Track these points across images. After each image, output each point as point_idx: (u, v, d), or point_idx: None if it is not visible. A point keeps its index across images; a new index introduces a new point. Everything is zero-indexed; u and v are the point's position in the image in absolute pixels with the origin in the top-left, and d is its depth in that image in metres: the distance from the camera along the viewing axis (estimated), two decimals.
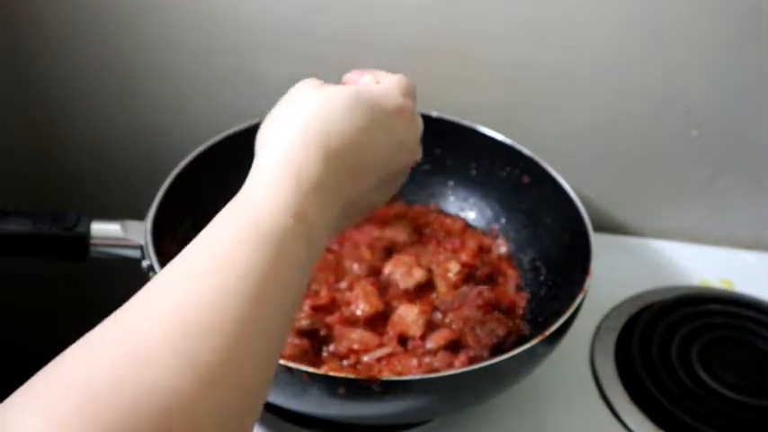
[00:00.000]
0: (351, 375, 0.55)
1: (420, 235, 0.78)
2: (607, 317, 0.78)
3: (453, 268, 0.72)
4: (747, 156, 0.83)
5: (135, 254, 0.62)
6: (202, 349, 0.33)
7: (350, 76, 0.53)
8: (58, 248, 0.61)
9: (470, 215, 0.81)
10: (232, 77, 0.83)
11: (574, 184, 0.72)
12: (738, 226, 0.88)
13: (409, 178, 0.54)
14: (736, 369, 0.71)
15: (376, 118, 0.46)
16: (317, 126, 0.44)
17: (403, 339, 0.66)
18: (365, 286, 0.69)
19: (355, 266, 0.72)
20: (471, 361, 0.64)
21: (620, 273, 0.81)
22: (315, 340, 0.65)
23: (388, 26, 0.78)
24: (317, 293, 0.69)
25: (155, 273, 0.59)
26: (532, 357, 0.60)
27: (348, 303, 0.68)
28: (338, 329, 0.66)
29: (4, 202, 0.62)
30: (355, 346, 0.65)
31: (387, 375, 0.62)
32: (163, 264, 0.60)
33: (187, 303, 0.34)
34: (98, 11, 0.79)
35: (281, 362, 0.53)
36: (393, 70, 0.52)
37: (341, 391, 0.54)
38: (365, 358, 0.64)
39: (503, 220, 0.79)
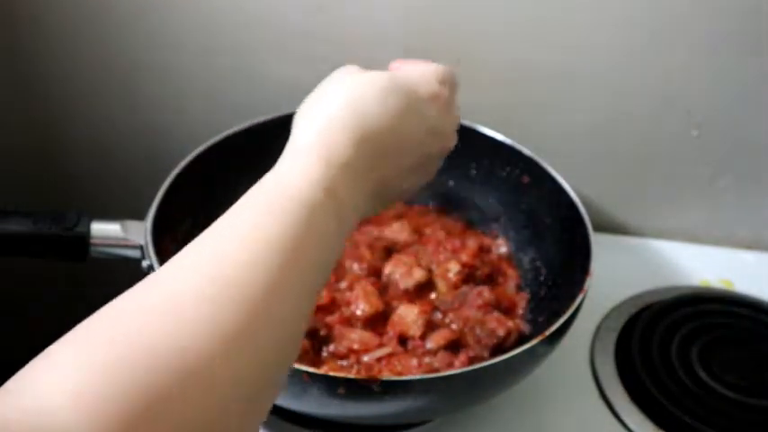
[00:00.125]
0: (351, 375, 0.55)
1: (420, 235, 0.78)
2: (607, 317, 0.78)
3: (453, 268, 0.72)
4: (747, 156, 0.83)
5: (135, 254, 0.62)
6: (227, 314, 0.34)
7: (394, 65, 0.53)
8: (58, 248, 0.61)
9: (470, 215, 0.81)
10: (232, 77, 0.83)
11: (574, 184, 0.72)
12: (738, 226, 0.88)
13: None
14: (736, 369, 0.71)
15: (410, 104, 0.47)
16: (350, 110, 0.44)
17: (403, 339, 0.66)
18: (365, 286, 0.69)
19: (355, 266, 0.72)
20: (471, 361, 0.64)
21: (620, 273, 0.81)
22: (315, 340, 0.65)
23: (388, 26, 0.78)
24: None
25: None
26: (532, 357, 0.60)
27: (348, 303, 0.68)
28: (338, 329, 0.66)
29: (4, 202, 0.62)
30: (355, 346, 0.65)
31: (387, 375, 0.62)
32: (163, 264, 0.60)
33: (216, 269, 0.35)
34: (98, 11, 0.79)
35: None
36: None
37: (341, 391, 0.54)
38: (365, 358, 0.64)
39: (503, 221, 0.79)
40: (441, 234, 0.78)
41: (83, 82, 0.85)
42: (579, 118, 0.82)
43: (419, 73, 0.50)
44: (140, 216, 0.64)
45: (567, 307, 0.60)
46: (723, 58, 0.76)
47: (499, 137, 0.77)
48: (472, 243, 0.76)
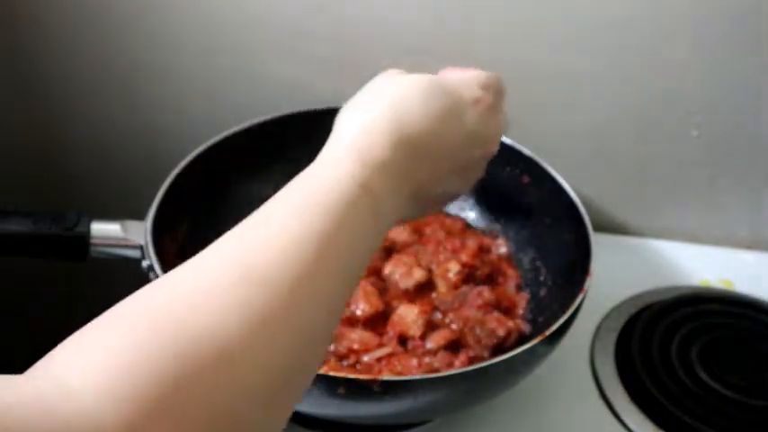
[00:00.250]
0: (351, 375, 0.55)
1: (420, 235, 0.78)
2: (607, 317, 0.78)
3: (453, 268, 0.72)
4: (747, 156, 0.83)
5: (135, 254, 0.62)
6: (261, 300, 0.34)
7: (442, 72, 0.53)
8: (58, 248, 0.61)
9: (470, 215, 0.81)
10: (232, 77, 0.83)
11: (574, 184, 0.72)
12: (738, 226, 0.88)
13: None
14: (736, 369, 0.71)
15: (451, 108, 0.47)
16: (390, 112, 0.44)
17: (403, 339, 0.66)
18: (365, 286, 0.69)
19: None
20: (471, 361, 0.64)
21: (620, 273, 0.80)
22: None
23: (388, 26, 0.78)
24: None
25: (155, 273, 0.59)
26: (532, 357, 0.60)
27: (348, 303, 0.68)
28: (338, 329, 0.66)
29: (4, 202, 0.62)
30: (355, 346, 0.65)
31: (387, 375, 0.62)
32: (163, 264, 0.60)
33: (252, 255, 0.36)
34: (98, 11, 0.79)
35: None
36: None
37: (341, 391, 0.54)
38: (365, 358, 0.64)
39: (503, 220, 0.79)
40: (441, 234, 0.78)
41: (83, 82, 0.85)
42: (579, 118, 0.82)
43: (460, 78, 0.50)
44: (140, 216, 0.64)
45: (567, 307, 0.60)
46: (723, 58, 0.76)
47: None
48: (472, 243, 0.76)
